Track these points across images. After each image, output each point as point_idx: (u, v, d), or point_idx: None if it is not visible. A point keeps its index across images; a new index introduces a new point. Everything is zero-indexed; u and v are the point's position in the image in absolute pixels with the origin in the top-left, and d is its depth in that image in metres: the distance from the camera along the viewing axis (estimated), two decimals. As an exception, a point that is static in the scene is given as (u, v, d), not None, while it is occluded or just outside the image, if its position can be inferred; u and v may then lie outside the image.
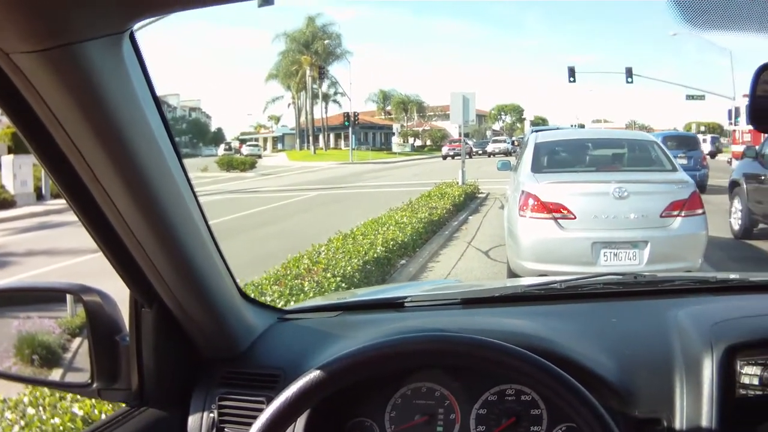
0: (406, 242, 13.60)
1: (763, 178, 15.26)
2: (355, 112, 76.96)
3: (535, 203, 9.86)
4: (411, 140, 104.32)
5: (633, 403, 2.06)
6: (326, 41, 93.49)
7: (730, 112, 42.13)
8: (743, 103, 35.02)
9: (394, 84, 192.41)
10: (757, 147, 16.77)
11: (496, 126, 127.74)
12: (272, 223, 20.61)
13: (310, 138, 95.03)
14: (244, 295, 2.35)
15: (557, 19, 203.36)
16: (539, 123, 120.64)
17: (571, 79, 54.87)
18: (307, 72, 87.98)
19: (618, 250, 9.61)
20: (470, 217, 20.44)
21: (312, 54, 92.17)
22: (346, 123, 73.73)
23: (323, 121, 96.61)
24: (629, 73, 54.93)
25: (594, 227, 9.70)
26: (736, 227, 16.20)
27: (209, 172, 51.71)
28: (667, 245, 9.55)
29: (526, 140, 13.49)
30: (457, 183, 26.99)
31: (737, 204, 16.32)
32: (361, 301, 3.15)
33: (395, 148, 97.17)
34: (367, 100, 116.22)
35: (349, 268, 10.09)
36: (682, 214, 9.69)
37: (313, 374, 1.70)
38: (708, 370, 2.05)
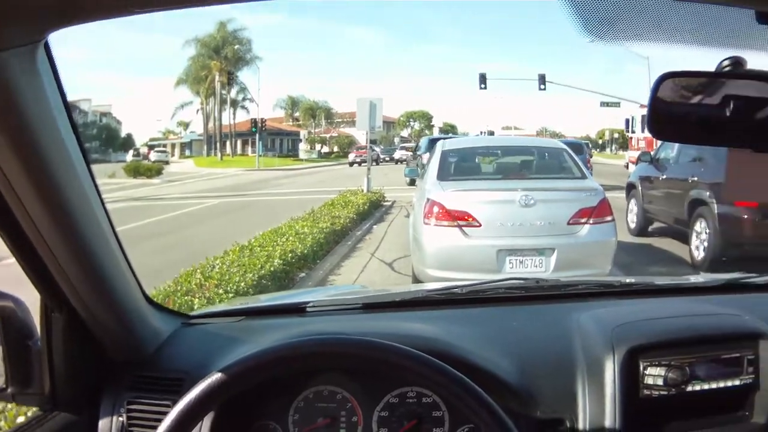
0: (306, 254, 12.99)
1: (655, 180, 16.62)
2: (262, 119, 75.85)
3: (440, 211, 9.66)
4: (318, 147, 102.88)
5: (534, 404, 2.11)
6: (236, 46, 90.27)
7: (627, 121, 43.73)
8: (639, 112, 39.04)
9: (303, 91, 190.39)
10: (651, 152, 18.21)
11: (405, 133, 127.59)
12: (171, 233, 19.69)
13: (218, 144, 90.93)
14: (150, 300, 2.38)
15: (468, 26, 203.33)
16: (448, 130, 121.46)
17: (482, 86, 54.18)
18: (217, 77, 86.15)
19: (524, 257, 9.45)
20: (375, 227, 19.89)
21: (222, 59, 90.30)
22: (254, 129, 72.62)
23: (231, 127, 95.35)
24: (542, 80, 54.73)
25: (499, 235, 9.52)
26: (632, 226, 17.51)
27: (116, 178, 50.26)
28: (575, 252, 9.46)
29: (419, 147, 15.04)
30: (362, 191, 26.28)
31: (633, 204, 17.77)
32: (264, 306, 3.17)
33: (302, 155, 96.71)
34: (275, 106, 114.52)
35: (243, 283, 9.62)
36: (591, 222, 9.60)
37: (213, 378, 1.70)
38: (610, 372, 2.13)
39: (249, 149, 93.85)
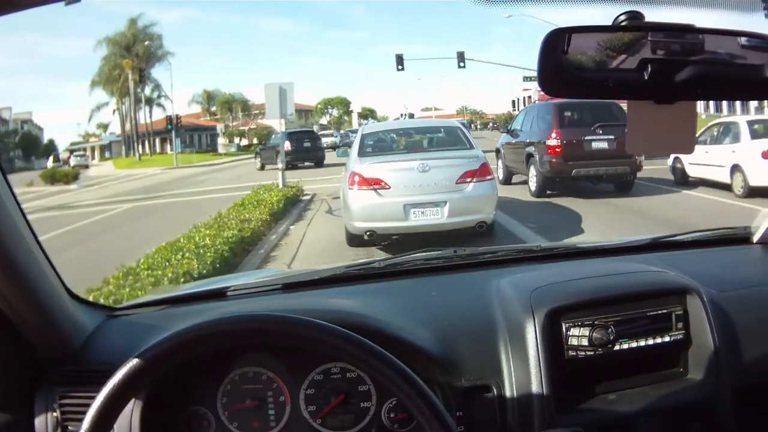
0: (204, 274, 10.65)
1: (510, 145, 23.74)
2: (177, 115, 71.66)
3: (359, 179, 12.92)
4: (237, 140, 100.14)
5: (457, 372, 2.12)
6: (146, 42, 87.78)
7: (513, 102, 49.58)
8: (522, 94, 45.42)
9: (220, 85, 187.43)
10: (508, 126, 25.66)
11: (324, 120, 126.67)
12: (71, 247, 17.35)
13: (135, 144, 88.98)
14: (72, 294, 2.33)
15: (383, 9, 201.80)
16: (367, 115, 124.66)
17: (399, 67, 53.54)
18: (129, 76, 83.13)
19: (424, 209, 12.78)
20: (292, 227, 17.90)
21: (133, 57, 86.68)
22: (169, 126, 69.41)
23: (147, 126, 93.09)
24: (461, 57, 53.70)
25: (404, 194, 12.72)
26: (500, 178, 22.62)
27: (34, 186, 48.57)
28: (463, 203, 12.71)
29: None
30: (277, 186, 24.42)
31: (500, 163, 24.40)
32: (187, 293, 3.04)
33: (221, 149, 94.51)
34: (191, 102, 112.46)
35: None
36: (474, 180, 12.92)
37: (130, 363, 1.69)
38: (531, 335, 2.14)
39: (168, 147, 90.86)
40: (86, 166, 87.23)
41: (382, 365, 1.65)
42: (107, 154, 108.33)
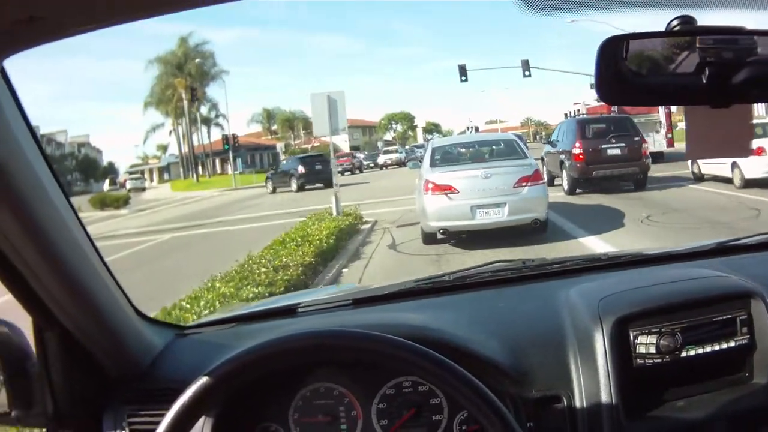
0: None
1: (550, 154, 28.01)
2: (234, 135, 69.50)
3: (433, 185, 15.50)
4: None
5: (527, 383, 2.10)
6: (197, 60, 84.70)
7: (565, 115, 52.75)
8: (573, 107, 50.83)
9: (280, 103, 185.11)
10: (550, 138, 30.79)
11: (388, 136, 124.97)
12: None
13: (193, 165, 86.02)
14: (141, 315, 2.36)
15: (444, 25, 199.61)
16: (431, 129, 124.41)
17: (463, 77, 51.66)
18: (183, 95, 79.69)
19: (488, 209, 15.24)
20: (345, 271, 14.52)
21: (185, 76, 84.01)
22: (226, 147, 66.80)
23: (204, 146, 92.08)
24: (526, 66, 51.64)
25: (471, 197, 15.25)
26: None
27: (83, 212, 44.91)
28: (520, 203, 15.11)
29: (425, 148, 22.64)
30: (331, 214, 20.81)
31: (544, 168, 25.87)
32: (255, 311, 3.05)
33: None
34: (251, 121, 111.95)
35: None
36: (528, 185, 15.39)
37: (200, 381, 1.73)
38: (600, 344, 2.11)
39: (228, 168, 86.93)
40: (143, 189, 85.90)
41: (453, 378, 1.64)
42: (166, 176, 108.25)
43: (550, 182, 25.33)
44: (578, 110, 50.54)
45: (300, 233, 16.42)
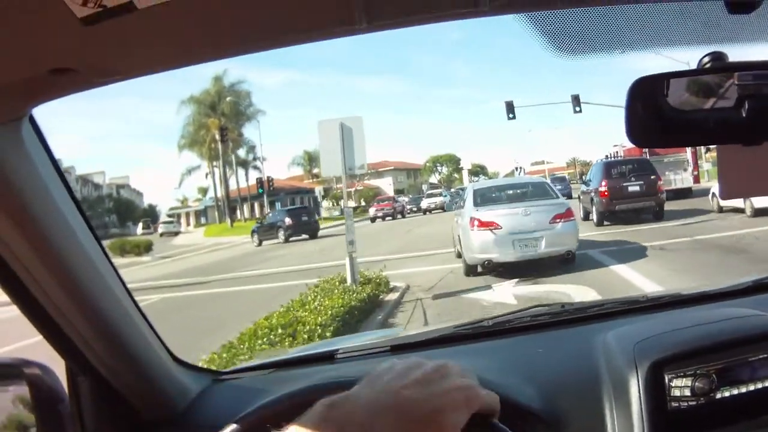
0: None
1: (584, 192, 33.49)
2: (269, 177, 66.21)
3: (478, 222, 18.03)
4: (341, 203, 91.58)
5: (563, 429, 2.07)
6: (228, 98, 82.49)
7: (606, 156, 55.00)
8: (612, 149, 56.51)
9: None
10: (584, 177, 39.38)
11: (433, 179, 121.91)
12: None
13: (226, 209, 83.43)
14: (177, 359, 2.40)
15: (486, 65, 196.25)
16: (477, 171, 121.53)
17: (510, 115, 49.14)
18: (216, 136, 75.40)
19: (527, 242, 17.67)
20: None
21: (219, 116, 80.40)
22: (260, 190, 63.16)
23: (240, 190, 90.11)
24: (576, 101, 49.08)
25: (512, 231, 17.68)
26: (581, 216, 30.33)
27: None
28: (554, 238, 17.77)
29: (463, 192, 25.45)
30: (344, 281, 16.37)
31: (580, 205, 32.76)
32: (294, 357, 3.08)
33: (324, 213, 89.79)
34: (291, 164, 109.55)
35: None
36: (562, 221, 18.04)
37: (232, 426, 1.74)
38: (635, 388, 2.07)
39: (267, 210, 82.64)
40: (175, 234, 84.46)
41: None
42: (203, 220, 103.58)
43: (585, 217, 31.35)
44: (617, 152, 53.96)
45: (287, 317, 11.87)
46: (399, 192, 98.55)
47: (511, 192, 20.71)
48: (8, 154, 1.47)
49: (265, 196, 69.33)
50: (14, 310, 1.88)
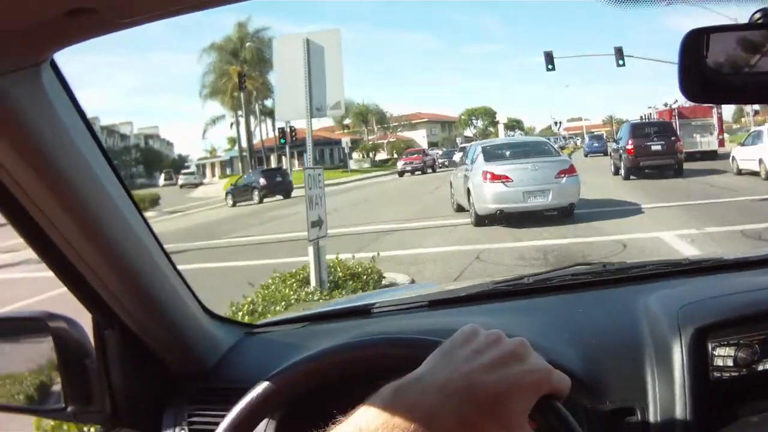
0: None
1: (614, 149, 38.31)
2: (291, 127, 60.81)
3: (491, 175, 20.29)
4: (372, 155, 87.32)
5: (602, 394, 2.01)
6: (248, 43, 78.36)
7: (641, 117, 58.89)
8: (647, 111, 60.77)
9: (353, 96, 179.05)
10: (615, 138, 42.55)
11: (468, 132, 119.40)
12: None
13: (249, 160, 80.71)
14: (209, 312, 2.37)
15: (528, 19, 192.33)
16: (513, 125, 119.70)
17: (549, 66, 47.39)
18: (239, 85, 71.02)
19: (536, 195, 20.09)
20: None
21: (240, 63, 76.16)
22: (282, 141, 57.65)
23: (263, 142, 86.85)
24: (619, 53, 46.90)
25: (522, 185, 20.07)
26: (612, 171, 37.09)
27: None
28: (560, 191, 20.21)
29: (467, 149, 27.04)
30: (305, 283, 11.13)
31: (611, 161, 38.54)
32: (328, 310, 3.05)
33: (353, 165, 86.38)
34: None
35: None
36: (566, 176, 20.42)
37: (264, 384, 1.69)
38: (678, 354, 2.01)
39: (297, 163, 78.17)
40: (196, 185, 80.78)
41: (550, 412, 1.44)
42: (228, 171, 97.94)
43: (616, 172, 36.12)
44: (650, 114, 58.34)
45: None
46: (433, 145, 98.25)
47: (516, 150, 23.17)
48: (29, 101, 1.42)
49: (287, 147, 65.09)
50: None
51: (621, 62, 46.78)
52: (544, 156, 21.87)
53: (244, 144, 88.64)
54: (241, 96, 79.03)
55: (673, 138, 33.22)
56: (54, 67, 1.50)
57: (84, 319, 2.06)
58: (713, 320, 2.01)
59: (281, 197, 46.16)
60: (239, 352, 2.39)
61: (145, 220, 1.91)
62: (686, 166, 33.36)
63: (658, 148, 32.53)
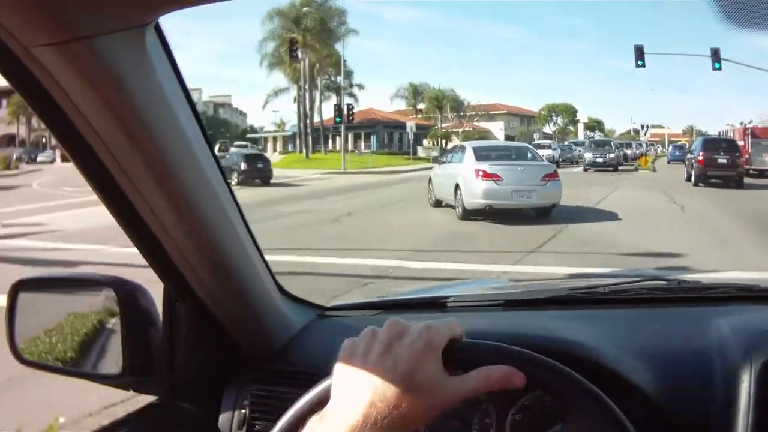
0: None
1: (687, 159, 43.08)
2: (349, 105, 57.20)
3: (483, 173, 22.12)
4: (444, 143, 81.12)
5: (667, 416, 1.92)
6: (305, 9, 73.16)
7: (719, 133, 59.49)
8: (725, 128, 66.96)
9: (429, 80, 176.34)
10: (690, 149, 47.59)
11: (547, 129, 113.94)
12: None
13: (307, 138, 75.91)
14: (283, 291, 2.34)
15: (616, 20, 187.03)
16: (594, 126, 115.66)
17: (639, 62, 45.56)
18: (299, 55, 65.14)
19: (522, 194, 21.84)
20: None
21: (302, 31, 70.05)
22: (337, 120, 53.73)
23: (322, 120, 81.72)
24: (716, 55, 44.32)
25: (511, 184, 21.99)
26: (686, 176, 41.43)
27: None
28: (545, 193, 22.31)
29: (455, 150, 28.51)
30: None
31: (686, 169, 42.01)
32: (402, 299, 3.02)
33: (421, 152, 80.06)
34: (394, 96, 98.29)
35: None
36: (550, 180, 22.55)
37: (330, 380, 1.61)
38: (746, 384, 1.89)
39: (362, 144, 72.78)
40: None
41: (598, 410, 1.49)
42: (291, 147, 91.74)
43: (688, 178, 40.57)
44: (728, 130, 60.61)
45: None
46: (510, 138, 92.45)
47: (502, 152, 25.94)
48: (131, 62, 1.39)
49: (342, 126, 62.35)
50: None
51: (717, 65, 45.00)
52: (527, 160, 24.86)
53: (303, 121, 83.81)
54: (301, 67, 77.67)
55: (737, 154, 38.93)
56: (159, 31, 1.47)
57: (154, 289, 2.06)
58: None
59: (260, 182, 45.55)
60: (309, 335, 2.37)
61: (231, 192, 1.88)
62: (751, 181, 39.94)
63: (724, 161, 37.71)
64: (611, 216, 22.83)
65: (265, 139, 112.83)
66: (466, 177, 23.03)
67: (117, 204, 1.69)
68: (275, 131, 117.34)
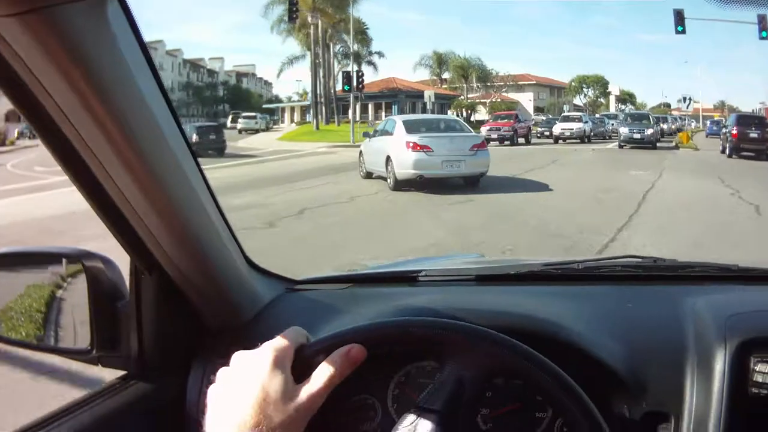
0: None
1: (723, 133, 49.78)
2: (358, 72, 50.86)
3: (413, 144, 22.96)
4: (468, 113, 76.28)
5: (641, 396, 1.89)
6: None
7: (752, 110, 70.36)
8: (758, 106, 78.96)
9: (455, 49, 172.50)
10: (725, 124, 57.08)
11: (578, 100, 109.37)
12: None
13: (318, 108, 74.51)
14: (252, 264, 2.29)
15: None
16: (625, 99, 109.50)
17: (679, 27, 42.97)
18: (309, 19, 60.35)
19: (452, 164, 22.86)
20: None
21: (310, -9, 67.50)
22: (346, 88, 48.86)
23: (335, 90, 77.27)
24: (763, 23, 40.67)
25: (441, 154, 22.95)
26: (722, 148, 46.18)
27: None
28: (473, 162, 23.34)
29: (385, 122, 28.20)
30: None
31: (721, 141, 47.97)
32: (374, 273, 3.01)
33: None
34: (417, 65, 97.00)
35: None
36: (478, 150, 23.57)
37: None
38: (720, 365, 1.87)
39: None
40: (255, 131, 76.96)
41: (571, 403, 1.46)
42: (308, 117, 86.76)
43: (723, 150, 44.25)
44: (760, 108, 70.66)
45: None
46: (539, 110, 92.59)
47: (431, 124, 27.12)
48: (90, 32, 1.31)
49: (351, 96, 59.54)
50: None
51: (764, 34, 41.88)
52: (456, 132, 25.78)
53: (321, 89, 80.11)
54: (312, 33, 73.92)
55: (767, 129, 43.08)
56: (121, 1, 1.40)
57: (122, 262, 2.05)
58: (759, 335, 1.88)
59: (215, 154, 45.11)
60: (278, 309, 2.30)
61: (197, 162, 1.83)
62: (780, 154, 50.28)
63: (755, 135, 41.46)
64: (663, 223, 15.33)
65: (282, 110, 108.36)
66: (397, 149, 24.16)
67: (80, 175, 1.61)
68: (297, 101, 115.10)
